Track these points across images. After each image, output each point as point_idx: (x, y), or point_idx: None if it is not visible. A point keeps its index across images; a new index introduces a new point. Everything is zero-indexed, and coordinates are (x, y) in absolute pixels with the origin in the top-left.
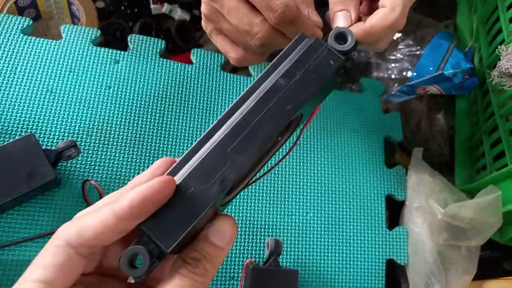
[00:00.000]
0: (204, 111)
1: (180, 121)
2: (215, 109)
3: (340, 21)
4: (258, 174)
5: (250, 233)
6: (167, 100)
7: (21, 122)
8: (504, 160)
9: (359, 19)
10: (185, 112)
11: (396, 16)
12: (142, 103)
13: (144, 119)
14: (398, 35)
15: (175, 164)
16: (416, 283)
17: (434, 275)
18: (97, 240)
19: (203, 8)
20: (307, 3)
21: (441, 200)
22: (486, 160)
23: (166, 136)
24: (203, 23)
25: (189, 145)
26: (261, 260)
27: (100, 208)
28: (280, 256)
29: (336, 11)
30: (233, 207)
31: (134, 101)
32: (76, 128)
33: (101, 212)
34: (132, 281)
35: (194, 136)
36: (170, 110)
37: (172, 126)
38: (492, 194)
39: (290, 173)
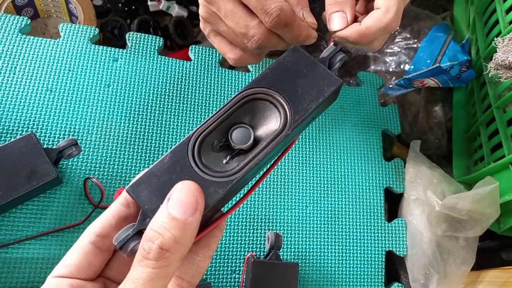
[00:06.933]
0: (203, 108)
1: (180, 117)
2: (214, 105)
3: (336, 22)
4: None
5: (251, 228)
6: (166, 97)
7: (21, 122)
8: (501, 152)
9: (355, 19)
10: (184, 108)
11: (390, 17)
12: (142, 100)
13: (144, 116)
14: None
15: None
16: (415, 274)
17: (433, 266)
18: (103, 227)
19: (201, 10)
20: (301, 4)
21: (439, 192)
22: (484, 152)
23: (166, 132)
24: (201, 24)
25: None
26: (261, 254)
27: None
28: (281, 250)
29: (332, 12)
30: (232, 202)
31: (134, 99)
32: (77, 127)
33: (111, 204)
34: None
35: None
36: (169, 107)
37: (171, 123)
38: (490, 185)
39: (289, 167)
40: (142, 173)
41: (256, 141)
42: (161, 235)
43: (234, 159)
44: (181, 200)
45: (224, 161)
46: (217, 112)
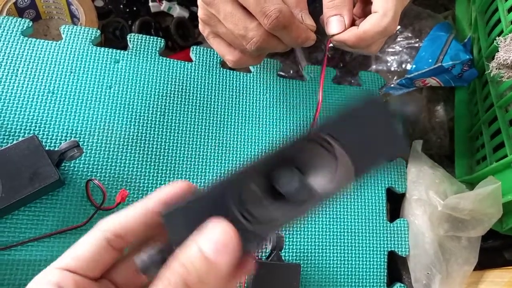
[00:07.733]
0: (204, 108)
1: (181, 118)
2: (216, 106)
3: (334, 26)
4: None
5: None
6: (168, 98)
7: (23, 124)
8: (504, 151)
9: (352, 22)
10: (186, 109)
11: (388, 21)
12: (143, 102)
13: (145, 118)
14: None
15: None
16: (417, 274)
17: (435, 266)
18: (124, 228)
19: (200, 12)
20: (300, 6)
21: (441, 192)
22: (486, 151)
23: (168, 134)
24: (200, 26)
25: (190, 143)
26: (263, 255)
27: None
28: (282, 251)
29: (330, 16)
30: None
31: (135, 100)
32: (78, 129)
33: (132, 205)
34: None
35: (195, 133)
36: (171, 108)
37: (173, 124)
38: (492, 185)
39: None
40: (178, 199)
41: (304, 189)
42: (188, 271)
43: (276, 204)
44: (215, 240)
45: (265, 202)
46: (270, 152)
